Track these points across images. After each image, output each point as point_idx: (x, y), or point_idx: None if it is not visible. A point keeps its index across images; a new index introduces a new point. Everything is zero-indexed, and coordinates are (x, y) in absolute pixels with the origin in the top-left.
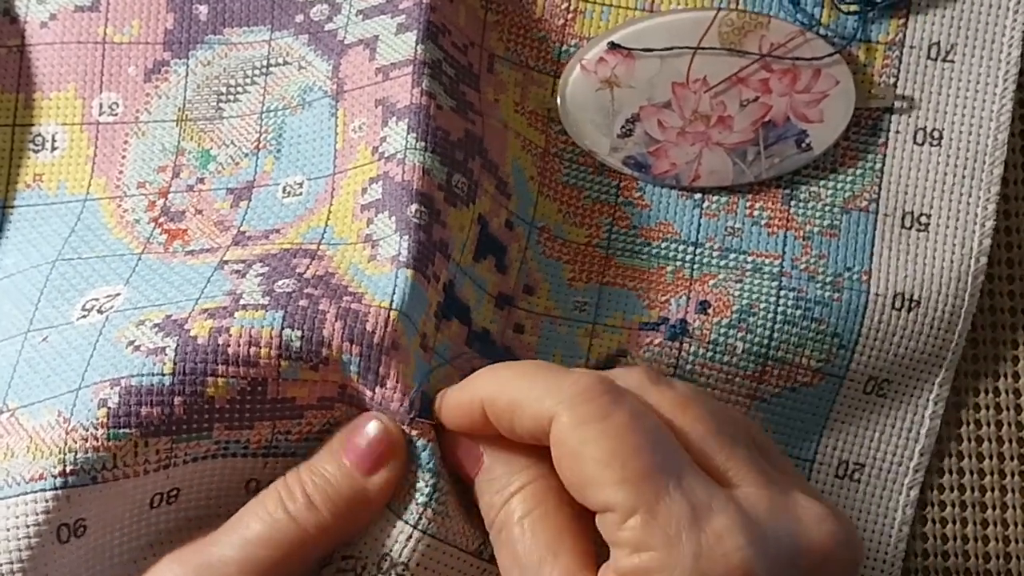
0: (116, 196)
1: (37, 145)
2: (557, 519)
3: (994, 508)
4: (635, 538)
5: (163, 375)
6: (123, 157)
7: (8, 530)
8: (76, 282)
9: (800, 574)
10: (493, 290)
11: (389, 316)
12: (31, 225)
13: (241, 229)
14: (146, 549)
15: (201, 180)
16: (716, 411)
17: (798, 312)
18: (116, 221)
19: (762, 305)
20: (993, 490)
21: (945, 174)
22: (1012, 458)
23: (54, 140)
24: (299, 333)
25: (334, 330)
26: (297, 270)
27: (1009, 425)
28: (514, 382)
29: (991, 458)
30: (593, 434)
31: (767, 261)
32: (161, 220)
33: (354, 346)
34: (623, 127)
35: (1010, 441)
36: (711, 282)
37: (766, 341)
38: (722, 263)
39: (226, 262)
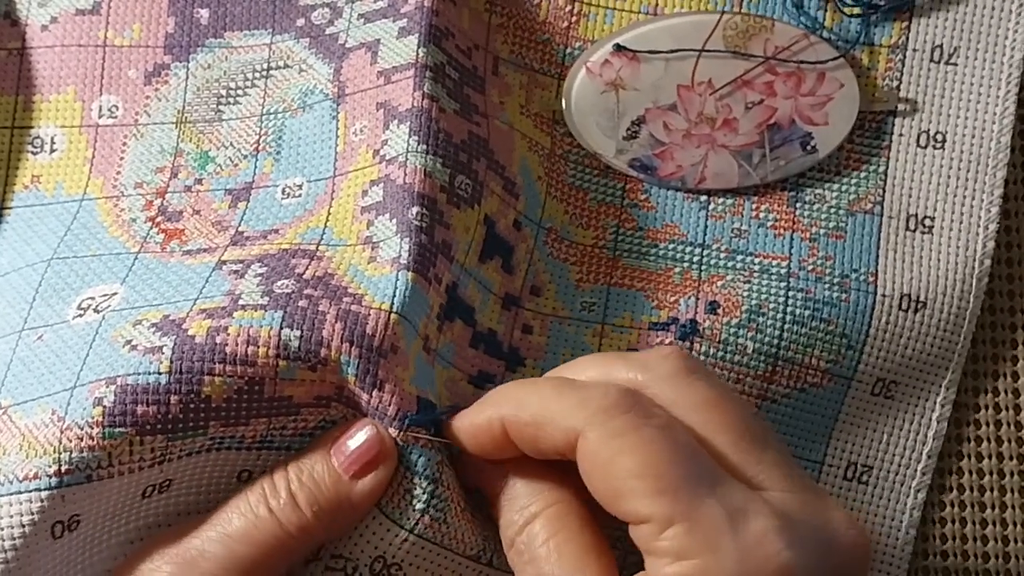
0: (113, 196)
1: (36, 147)
2: (581, 540)
3: (992, 508)
4: (675, 547)
5: (159, 374)
6: (121, 158)
7: (2, 529)
8: (72, 281)
9: (830, 575)
10: (499, 291)
11: (389, 318)
12: (27, 225)
13: (239, 230)
14: (133, 533)
15: (199, 181)
16: (745, 412)
17: (807, 312)
18: (112, 220)
19: (771, 305)
20: (992, 490)
21: (948, 177)
22: (1011, 457)
23: (53, 142)
24: (298, 333)
25: (334, 331)
26: (296, 270)
27: (1008, 425)
28: (536, 398)
29: (990, 458)
30: (626, 446)
31: (775, 262)
32: (158, 220)
33: (353, 348)
34: (629, 129)
35: (1009, 441)
36: (719, 283)
37: (776, 341)
38: (730, 264)
39: (224, 262)
